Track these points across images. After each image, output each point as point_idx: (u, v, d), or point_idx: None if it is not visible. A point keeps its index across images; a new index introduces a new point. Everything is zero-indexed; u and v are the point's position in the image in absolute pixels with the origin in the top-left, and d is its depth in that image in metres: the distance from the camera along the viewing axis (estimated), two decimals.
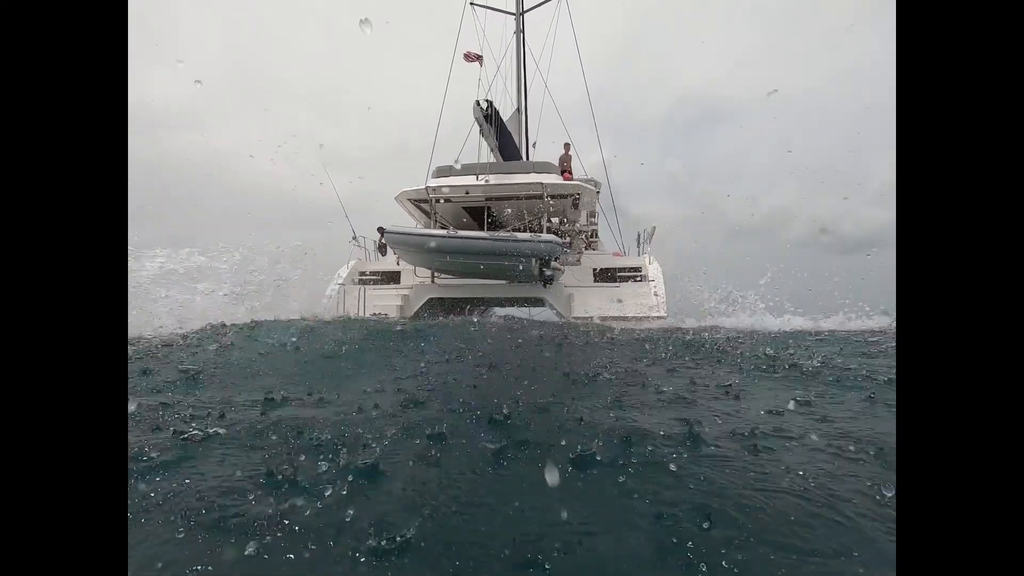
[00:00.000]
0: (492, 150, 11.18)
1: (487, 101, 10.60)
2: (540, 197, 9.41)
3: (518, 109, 13.78)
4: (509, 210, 10.00)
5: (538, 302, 10.45)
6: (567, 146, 12.00)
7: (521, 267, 7.88)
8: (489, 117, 10.52)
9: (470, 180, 9.63)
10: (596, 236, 12.51)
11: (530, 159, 12.94)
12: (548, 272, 8.09)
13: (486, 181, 9.50)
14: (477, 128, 10.63)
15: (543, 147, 14.01)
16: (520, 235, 8.06)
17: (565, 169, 11.76)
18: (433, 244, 7.89)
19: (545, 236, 8.12)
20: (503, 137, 11.34)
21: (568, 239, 10.41)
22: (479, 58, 11.29)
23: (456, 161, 10.30)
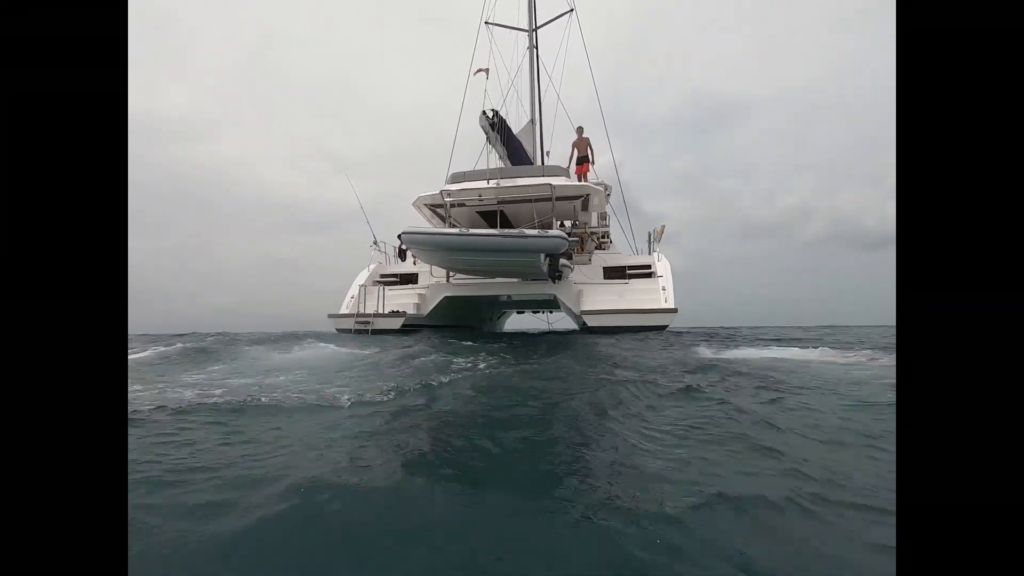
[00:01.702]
0: (500, 157, 11.52)
1: (492, 111, 11.03)
2: (550, 199, 9.66)
3: (532, 120, 14.10)
4: (521, 212, 10.23)
5: (550, 302, 10.67)
6: (580, 130, 12.10)
7: (530, 262, 8.06)
8: (495, 125, 10.92)
9: (482, 184, 9.95)
10: (608, 238, 12.76)
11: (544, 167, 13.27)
12: (557, 269, 8.23)
13: (497, 184, 9.79)
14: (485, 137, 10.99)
15: (556, 156, 14.28)
16: (528, 231, 8.19)
17: (584, 156, 11.83)
18: (446, 242, 8.13)
19: (553, 232, 8.26)
20: (511, 145, 11.70)
21: (579, 239, 10.67)
22: (485, 71, 11.63)
23: (474, 166, 10.61)
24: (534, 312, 16.37)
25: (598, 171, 12.42)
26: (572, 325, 11.80)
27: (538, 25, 14.96)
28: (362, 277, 10.51)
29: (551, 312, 10.25)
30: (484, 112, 10.90)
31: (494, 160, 10.89)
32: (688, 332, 9.19)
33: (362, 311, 9.39)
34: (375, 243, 10.91)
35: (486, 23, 14.78)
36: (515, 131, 12.54)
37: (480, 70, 11.81)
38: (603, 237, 12.38)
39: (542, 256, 7.92)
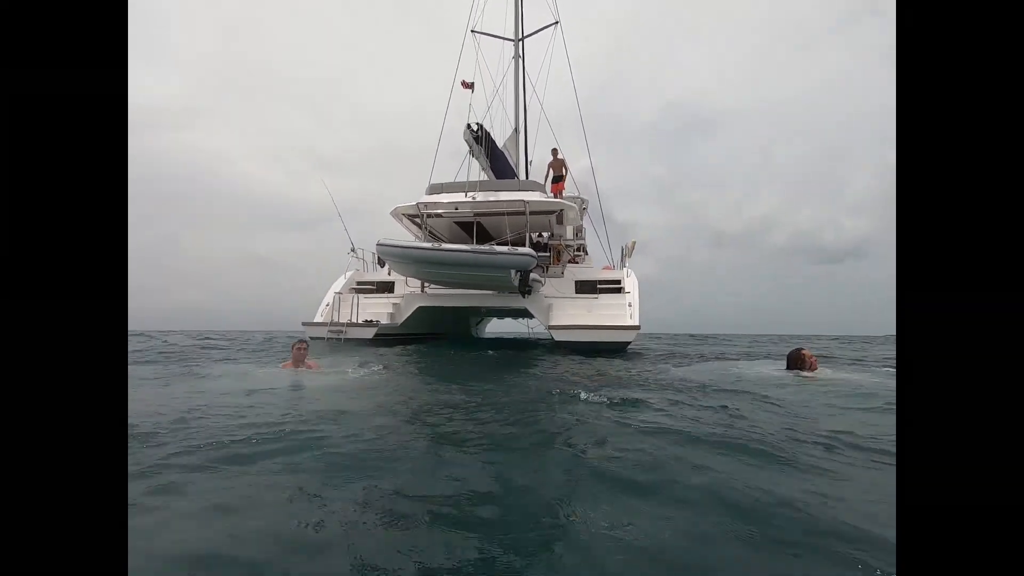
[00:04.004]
0: (483, 169, 11.68)
1: (477, 124, 11.24)
2: (524, 213, 9.88)
3: (516, 129, 14.21)
4: (497, 224, 10.45)
5: (522, 312, 10.90)
6: (555, 151, 12.39)
7: (501, 277, 8.31)
8: (479, 139, 11.12)
9: (459, 197, 10.11)
10: (583, 251, 12.97)
11: (528, 175, 13.52)
12: (527, 284, 8.50)
13: (473, 198, 9.99)
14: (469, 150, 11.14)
15: (540, 164, 14.44)
16: (498, 248, 8.48)
17: (559, 175, 12.09)
18: (418, 256, 8.37)
19: (522, 249, 8.51)
20: (495, 157, 11.90)
21: (556, 252, 10.90)
22: (470, 85, 11.76)
23: (456, 176, 10.77)
24: (514, 318, 16.58)
25: (577, 182, 12.63)
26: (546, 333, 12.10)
27: (524, 35, 15.06)
28: (338, 284, 10.56)
29: (531, 318, 10.61)
30: (469, 126, 11.04)
31: (475, 172, 10.99)
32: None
33: (336, 319, 9.37)
34: (353, 250, 10.97)
35: (472, 31, 14.86)
36: (500, 140, 12.70)
37: (465, 84, 11.88)
38: (578, 250, 12.61)
39: (513, 271, 8.17)
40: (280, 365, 5.58)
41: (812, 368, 5.15)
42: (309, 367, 5.42)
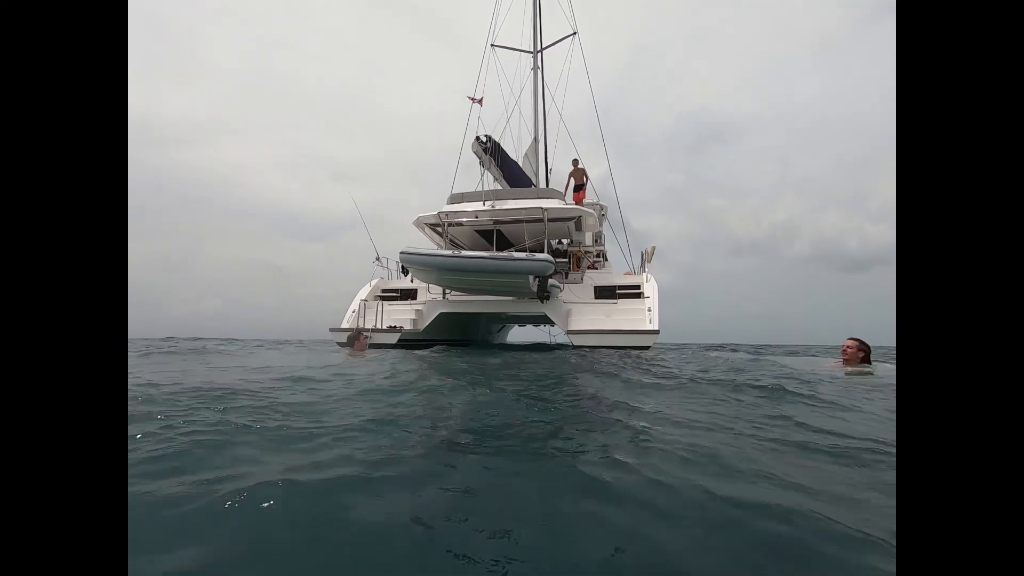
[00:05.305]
0: (496, 179, 12.03)
1: (486, 136, 11.62)
2: (542, 220, 10.07)
3: (535, 139, 14.46)
4: (516, 231, 10.73)
5: (543, 319, 11.08)
6: (575, 161, 12.57)
7: (519, 282, 8.50)
8: (488, 150, 11.50)
9: (479, 206, 10.39)
10: (603, 257, 13.13)
11: (549, 182, 13.90)
12: (546, 289, 8.68)
13: (492, 207, 10.23)
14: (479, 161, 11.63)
15: (560, 172, 14.71)
16: (516, 254, 8.68)
17: (580, 184, 12.29)
18: (439, 263, 8.66)
19: (539, 255, 8.67)
20: (506, 167, 12.22)
21: (575, 258, 11.12)
22: (479, 100, 12.24)
23: (476, 186, 11.23)
24: (535, 325, 16.80)
25: (596, 189, 12.87)
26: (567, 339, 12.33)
27: (542, 47, 15.32)
28: (364, 292, 10.92)
29: (552, 325, 10.88)
30: (478, 137, 11.41)
31: (490, 182, 11.36)
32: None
33: (361, 326, 9.73)
34: (377, 259, 11.35)
35: (492, 45, 15.19)
36: (520, 149, 13.16)
37: (474, 100, 12.30)
38: (598, 256, 12.77)
39: (531, 277, 8.36)
40: (346, 352, 6.80)
41: (847, 361, 4.58)
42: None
